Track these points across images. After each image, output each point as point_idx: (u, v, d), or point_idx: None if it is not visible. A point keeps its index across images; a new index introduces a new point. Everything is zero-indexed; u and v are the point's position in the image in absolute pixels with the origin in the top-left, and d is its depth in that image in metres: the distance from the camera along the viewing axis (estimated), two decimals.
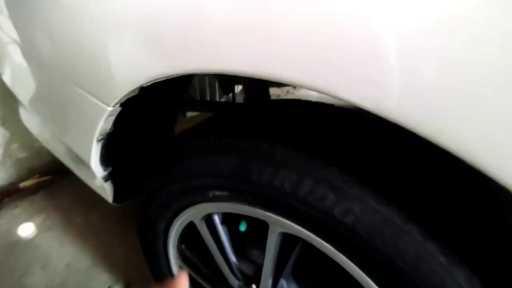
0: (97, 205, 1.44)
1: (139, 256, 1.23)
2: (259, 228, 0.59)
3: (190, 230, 0.73)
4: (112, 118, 0.63)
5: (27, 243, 1.27)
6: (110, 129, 0.67)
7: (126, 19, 0.45)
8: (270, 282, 0.61)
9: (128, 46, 0.46)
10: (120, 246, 1.29)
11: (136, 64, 0.47)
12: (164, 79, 0.47)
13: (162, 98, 0.76)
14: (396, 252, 0.43)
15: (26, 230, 1.32)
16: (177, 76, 0.45)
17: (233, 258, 0.67)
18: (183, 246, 0.79)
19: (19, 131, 1.45)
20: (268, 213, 0.54)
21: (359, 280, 0.48)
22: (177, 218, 0.70)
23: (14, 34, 0.75)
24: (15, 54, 0.82)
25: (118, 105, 0.59)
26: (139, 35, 0.44)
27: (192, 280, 0.83)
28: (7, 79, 0.96)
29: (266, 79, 0.36)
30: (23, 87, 0.87)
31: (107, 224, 1.37)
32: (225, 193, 0.57)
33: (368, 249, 0.44)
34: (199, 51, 0.40)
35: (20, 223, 1.34)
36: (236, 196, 0.55)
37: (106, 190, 0.87)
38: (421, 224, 0.42)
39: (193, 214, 0.66)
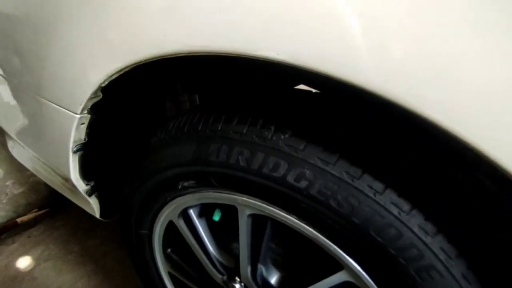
0: (94, 231, 1.45)
1: (137, 279, 1.23)
2: (232, 217, 0.60)
3: (173, 234, 0.74)
4: (84, 127, 0.66)
5: (25, 276, 1.27)
6: (85, 139, 0.69)
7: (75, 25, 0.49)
8: (249, 269, 0.61)
9: (74, 48, 0.50)
10: (118, 270, 1.28)
11: (89, 65, 0.51)
12: (117, 75, 0.50)
13: (131, 104, 0.79)
14: (350, 210, 0.43)
15: (24, 263, 1.32)
16: (126, 69, 0.48)
17: (212, 251, 0.67)
18: (169, 250, 0.80)
19: (13, 168, 1.49)
20: (233, 196, 0.55)
21: (323, 246, 0.49)
22: (157, 220, 0.71)
23: None
24: None
25: (86, 112, 0.62)
26: (80, 33, 0.48)
27: (185, 285, 0.83)
28: None
29: None
30: (4, 115, 0.91)
31: (105, 250, 1.37)
32: (192, 182, 0.59)
33: (325, 212, 0.45)
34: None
35: (18, 257, 1.34)
36: (202, 182, 0.57)
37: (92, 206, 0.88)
38: (371, 177, 0.43)
39: (170, 212, 0.67)
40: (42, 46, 0.58)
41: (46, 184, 1.63)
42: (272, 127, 0.48)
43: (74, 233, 1.45)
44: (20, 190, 1.53)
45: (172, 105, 1.11)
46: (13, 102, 0.85)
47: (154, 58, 0.43)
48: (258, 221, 0.57)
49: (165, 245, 0.78)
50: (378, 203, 0.42)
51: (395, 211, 0.42)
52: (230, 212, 0.61)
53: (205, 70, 0.90)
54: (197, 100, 1.23)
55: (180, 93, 1.00)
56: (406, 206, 0.42)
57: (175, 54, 0.41)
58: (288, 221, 0.51)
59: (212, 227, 0.68)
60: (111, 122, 0.80)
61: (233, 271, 0.67)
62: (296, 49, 0.34)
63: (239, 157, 0.49)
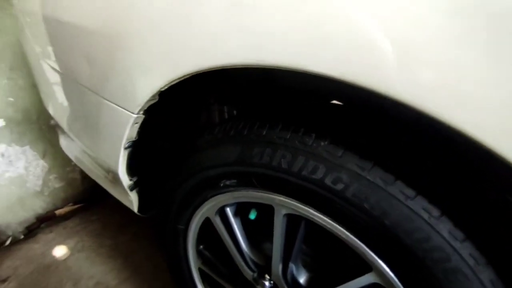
0: (126, 228, 1.53)
1: (164, 275, 1.29)
2: (267, 217, 0.65)
3: (206, 232, 0.80)
4: (136, 126, 0.73)
5: (60, 264, 1.36)
6: (135, 137, 0.77)
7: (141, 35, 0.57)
8: (280, 267, 0.66)
9: (143, 56, 0.58)
10: (146, 266, 1.35)
11: (153, 71, 0.58)
12: (177, 81, 0.58)
13: (181, 110, 0.87)
14: (382, 213, 0.48)
15: (59, 252, 1.41)
16: (186, 77, 0.55)
17: (245, 248, 0.72)
18: (201, 246, 0.85)
19: (57, 163, 1.61)
20: (271, 195, 0.60)
21: (353, 247, 0.53)
22: (194, 216, 0.77)
23: (59, 67, 0.90)
24: (58, 86, 0.98)
25: (141, 113, 0.69)
26: (150, 45, 0.56)
27: (212, 281, 0.88)
28: (51, 109, 1.12)
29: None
30: (63, 112, 1.01)
31: (135, 246, 1.45)
32: (233, 181, 0.64)
33: (358, 213, 0.49)
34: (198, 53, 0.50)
35: (54, 246, 1.44)
36: (243, 181, 0.62)
37: (132, 201, 0.95)
38: (403, 184, 0.47)
39: (208, 209, 0.73)
40: (111, 54, 0.66)
41: (82, 180, 1.75)
42: (313, 135, 0.53)
43: (107, 228, 1.53)
44: (60, 185, 1.65)
45: (205, 114, 1.18)
46: (70, 98, 0.95)
47: (216, 68, 0.49)
48: (293, 221, 0.61)
49: (198, 241, 0.84)
50: (409, 207, 0.46)
51: (425, 215, 0.46)
52: (265, 212, 0.66)
53: (237, 84, 0.97)
54: (225, 111, 1.30)
55: (212, 104, 1.08)
56: (436, 212, 0.46)
57: (233, 66, 0.48)
58: (322, 222, 0.55)
59: (246, 226, 0.73)
60: (157, 124, 0.87)
61: (263, 269, 0.71)
62: (344, 67, 0.39)
63: (281, 160, 0.54)
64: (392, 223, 0.47)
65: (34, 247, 1.44)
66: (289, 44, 0.41)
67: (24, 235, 1.51)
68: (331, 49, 0.39)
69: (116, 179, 0.96)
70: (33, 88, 1.45)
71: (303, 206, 0.56)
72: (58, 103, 1.03)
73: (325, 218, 0.55)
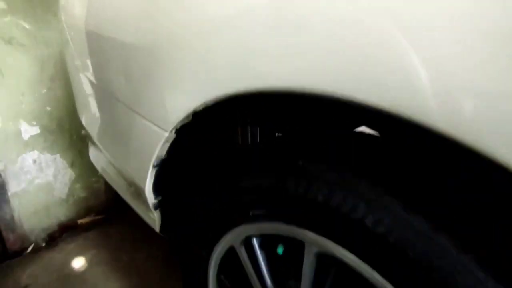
0: (143, 244, 1.52)
1: None
2: (296, 253, 0.61)
3: (228, 261, 0.76)
4: (167, 145, 0.72)
5: (77, 277, 1.35)
6: (165, 156, 0.76)
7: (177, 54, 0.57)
8: None
9: (181, 75, 0.57)
10: None
11: (190, 91, 0.57)
12: (213, 103, 0.56)
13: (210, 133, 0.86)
14: (429, 265, 0.42)
15: (78, 263, 1.41)
16: (220, 99, 0.54)
17: (270, 285, 0.67)
18: (222, 276, 0.81)
19: (83, 173, 1.64)
20: (303, 230, 0.56)
21: None
22: (219, 243, 0.74)
23: (96, 80, 0.92)
24: (93, 98, 1.00)
25: (173, 132, 0.68)
26: (188, 64, 0.55)
27: None
28: (84, 120, 1.14)
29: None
30: (96, 125, 1.03)
31: (151, 265, 1.42)
32: (263, 211, 0.61)
33: (400, 262, 0.44)
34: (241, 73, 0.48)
35: (74, 257, 1.44)
36: (274, 213, 0.59)
37: (155, 220, 0.94)
38: (455, 236, 0.42)
39: (233, 237, 0.70)
40: (150, 71, 0.67)
41: (105, 193, 1.76)
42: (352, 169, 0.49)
43: (124, 243, 1.52)
44: (84, 194, 1.67)
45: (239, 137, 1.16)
46: (104, 111, 0.96)
47: (256, 91, 0.47)
48: (324, 262, 0.56)
49: (219, 270, 0.80)
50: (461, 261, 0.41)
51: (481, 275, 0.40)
52: (293, 248, 0.62)
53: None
54: (258, 134, 1.27)
55: (247, 124, 1.06)
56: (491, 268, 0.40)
57: (274, 90, 0.46)
58: (357, 267, 0.50)
59: (271, 260, 0.69)
60: (186, 144, 0.86)
61: None
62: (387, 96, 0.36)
63: (318, 193, 0.51)
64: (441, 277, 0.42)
65: (55, 256, 1.45)
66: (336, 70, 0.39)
67: (46, 242, 1.52)
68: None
69: (138, 193, 0.95)
70: (70, 98, 1.50)
71: (337, 247, 0.52)
72: (91, 114, 1.05)
73: (360, 264, 0.50)
